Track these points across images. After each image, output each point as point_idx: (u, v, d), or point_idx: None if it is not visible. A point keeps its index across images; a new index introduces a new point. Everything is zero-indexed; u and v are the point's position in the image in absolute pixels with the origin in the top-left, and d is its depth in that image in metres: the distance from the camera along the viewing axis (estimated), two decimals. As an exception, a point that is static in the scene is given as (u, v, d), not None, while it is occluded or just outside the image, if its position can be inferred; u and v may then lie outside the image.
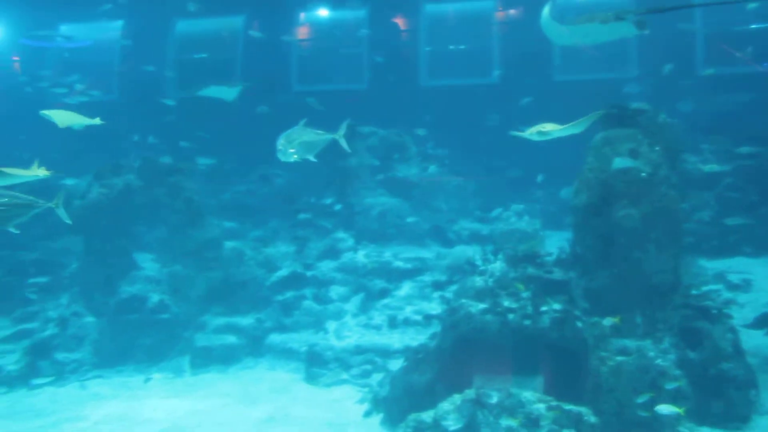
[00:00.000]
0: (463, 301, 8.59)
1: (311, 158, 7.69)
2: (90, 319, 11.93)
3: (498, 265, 9.03)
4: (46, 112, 8.83)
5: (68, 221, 7.89)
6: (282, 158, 7.55)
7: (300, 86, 18.25)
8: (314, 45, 19.07)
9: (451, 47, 18.58)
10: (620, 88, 14.02)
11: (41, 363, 11.26)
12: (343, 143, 7.84)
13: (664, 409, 7.06)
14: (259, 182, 14.97)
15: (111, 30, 19.38)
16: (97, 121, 8.99)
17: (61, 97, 14.45)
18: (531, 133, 7.22)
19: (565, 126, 7.19)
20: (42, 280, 12.98)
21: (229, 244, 12.96)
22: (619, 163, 8.57)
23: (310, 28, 19.41)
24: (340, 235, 13.65)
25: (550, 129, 7.25)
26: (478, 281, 8.85)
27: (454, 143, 15.84)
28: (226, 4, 18.00)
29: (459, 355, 8.36)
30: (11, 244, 13.79)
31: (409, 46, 18.71)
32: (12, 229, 6.84)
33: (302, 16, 19.25)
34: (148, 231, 12.94)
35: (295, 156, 7.52)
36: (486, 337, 8.23)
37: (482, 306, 8.38)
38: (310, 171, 14.71)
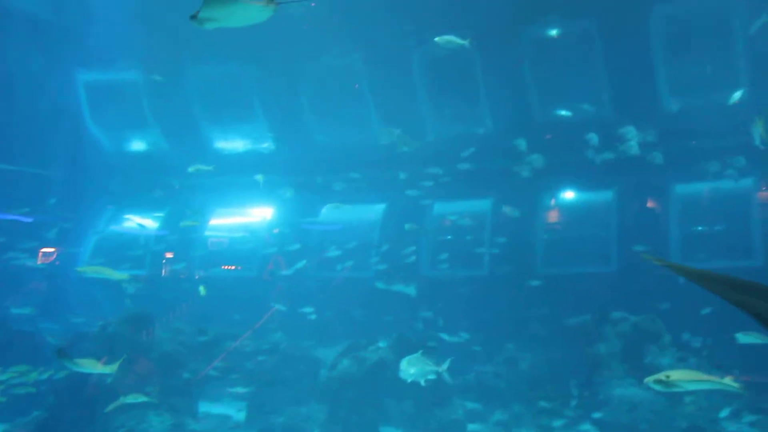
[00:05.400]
0: None
1: (422, 382, 10.02)
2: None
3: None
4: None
5: None
6: (401, 376, 9.88)
7: (544, 269, 18.19)
8: (561, 228, 19.17)
9: (701, 228, 17.71)
10: None
11: None
12: (446, 376, 10.46)
13: None
14: (505, 364, 14.76)
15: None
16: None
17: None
18: (650, 381, 6.62)
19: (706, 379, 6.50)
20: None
21: (472, 427, 12.77)
22: None
23: (558, 211, 19.65)
24: (585, 427, 12.89)
25: (678, 378, 6.45)
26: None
27: (714, 332, 14.51)
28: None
29: None
30: (263, 410, 14.37)
31: (658, 228, 18.12)
32: None
33: (552, 202, 19.63)
34: (396, 404, 13.15)
35: (412, 377, 9.86)
36: None
37: None
38: (556, 356, 14.37)
